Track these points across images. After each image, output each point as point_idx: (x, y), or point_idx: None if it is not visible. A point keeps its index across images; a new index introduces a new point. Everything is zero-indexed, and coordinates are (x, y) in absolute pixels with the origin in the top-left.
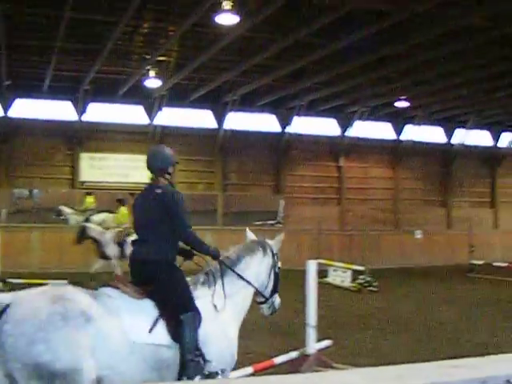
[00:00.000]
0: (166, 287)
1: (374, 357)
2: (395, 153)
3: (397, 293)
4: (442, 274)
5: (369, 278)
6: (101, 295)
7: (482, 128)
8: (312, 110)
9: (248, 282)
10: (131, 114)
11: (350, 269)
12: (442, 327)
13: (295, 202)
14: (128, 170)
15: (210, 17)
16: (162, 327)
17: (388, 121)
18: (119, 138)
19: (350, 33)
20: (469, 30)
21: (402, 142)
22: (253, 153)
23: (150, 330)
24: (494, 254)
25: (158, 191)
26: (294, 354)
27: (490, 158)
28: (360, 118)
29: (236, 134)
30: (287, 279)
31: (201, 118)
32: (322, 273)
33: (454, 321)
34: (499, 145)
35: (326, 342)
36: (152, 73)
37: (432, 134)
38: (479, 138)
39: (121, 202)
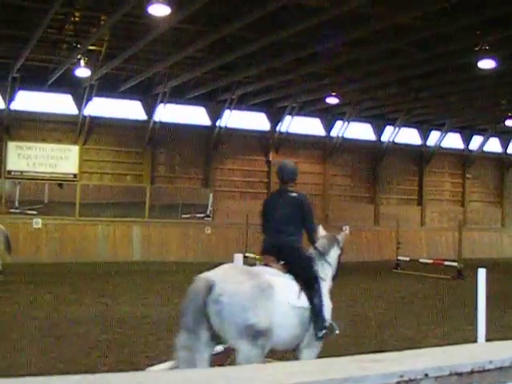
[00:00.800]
0: (301, 265)
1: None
2: (325, 149)
3: None
4: (369, 270)
5: None
6: (266, 271)
7: (410, 126)
8: (242, 104)
9: (331, 265)
10: (60, 104)
11: None
12: (367, 322)
13: (224, 195)
14: (56, 160)
15: (142, 7)
16: (303, 294)
17: (318, 117)
18: (48, 128)
19: (282, 28)
20: (399, 29)
21: (331, 138)
22: (182, 145)
23: (298, 297)
24: (419, 250)
25: (294, 195)
26: (219, 348)
27: (419, 156)
28: (290, 113)
29: (166, 126)
30: None
31: (130, 109)
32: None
33: (379, 316)
34: (427, 143)
35: None
36: (82, 62)
37: (362, 131)
38: (408, 136)
39: None
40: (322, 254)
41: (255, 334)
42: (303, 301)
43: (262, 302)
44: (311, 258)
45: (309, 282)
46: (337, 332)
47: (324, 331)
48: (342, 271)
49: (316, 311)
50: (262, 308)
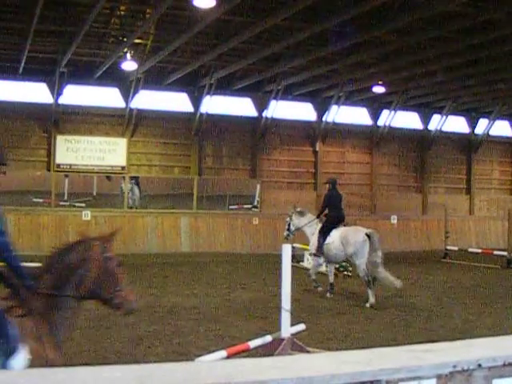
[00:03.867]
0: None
1: (348, 341)
2: (372, 138)
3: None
4: (417, 260)
5: (344, 263)
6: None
7: (458, 114)
8: (289, 94)
9: None
10: (107, 97)
11: None
12: (415, 312)
13: (271, 186)
14: (104, 152)
15: None
16: None
17: (365, 106)
18: (95, 121)
19: (328, 17)
20: (446, 16)
21: (378, 127)
22: (229, 137)
23: None
24: (468, 239)
25: (341, 192)
26: (268, 338)
27: (466, 144)
28: (337, 103)
29: (212, 118)
30: (263, 263)
31: (177, 102)
32: (299, 257)
33: (428, 306)
34: (476, 131)
35: (301, 326)
36: (128, 55)
37: (408, 120)
38: (456, 124)
39: None
40: None
41: None
42: None
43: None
44: None
45: None
46: None
47: None
48: (390, 261)
49: None
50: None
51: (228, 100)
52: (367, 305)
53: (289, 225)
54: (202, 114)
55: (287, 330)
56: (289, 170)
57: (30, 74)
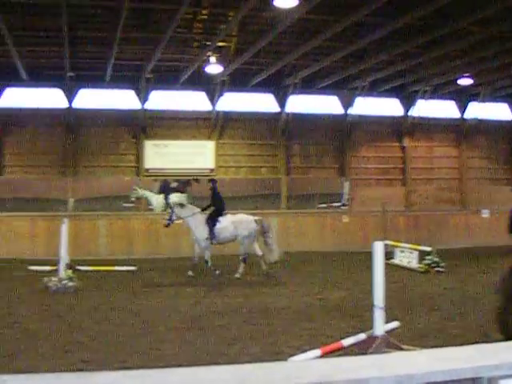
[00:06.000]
0: None
1: (442, 338)
2: (460, 131)
3: (464, 273)
4: (509, 254)
5: (436, 259)
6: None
7: None
8: (374, 90)
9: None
10: (193, 101)
11: (416, 249)
12: None
13: (359, 183)
14: (192, 156)
15: (268, 0)
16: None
17: (451, 99)
18: (182, 125)
19: (411, 11)
20: None
21: (466, 120)
22: (316, 135)
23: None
24: None
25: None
26: (362, 336)
27: None
28: (423, 97)
29: (298, 117)
30: (354, 261)
31: (262, 102)
32: (389, 254)
33: None
34: None
35: (394, 324)
36: (212, 59)
37: (497, 111)
38: None
39: None
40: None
41: None
42: None
43: None
44: None
45: None
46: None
47: None
48: (482, 256)
49: None
50: None
51: (313, 98)
52: (236, 275)
53: (171, 215)
54: (287, 114)
55: (381, 327)
56: (377, 166)
57: (116, 82)
